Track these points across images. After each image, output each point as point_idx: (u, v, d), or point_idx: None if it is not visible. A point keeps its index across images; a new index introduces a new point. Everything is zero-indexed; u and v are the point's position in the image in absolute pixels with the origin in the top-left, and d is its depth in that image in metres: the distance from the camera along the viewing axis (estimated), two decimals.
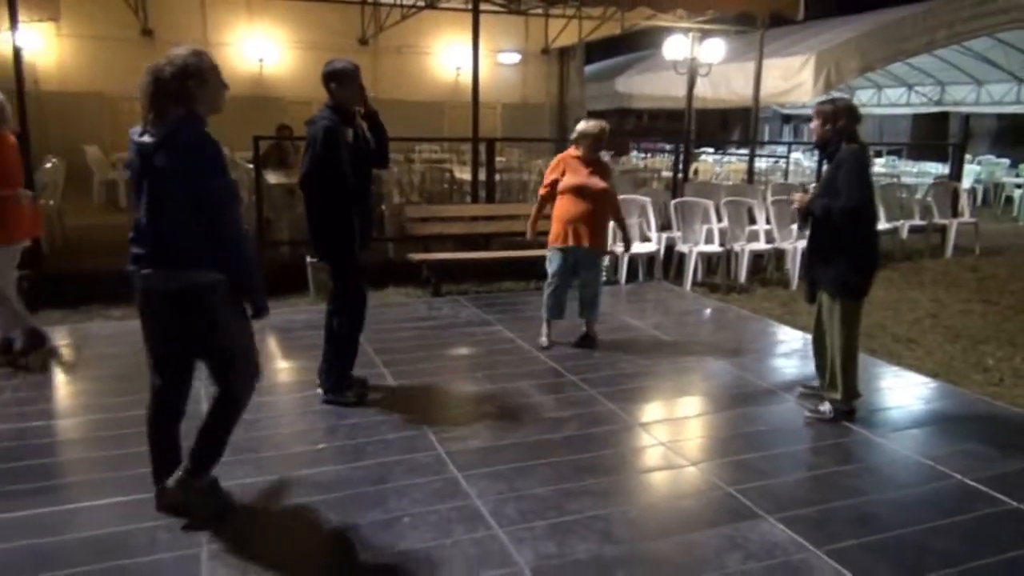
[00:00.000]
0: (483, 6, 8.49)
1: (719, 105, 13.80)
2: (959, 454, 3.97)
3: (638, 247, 8.14)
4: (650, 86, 15.54)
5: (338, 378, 4.50)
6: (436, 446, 3.93)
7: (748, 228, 8.73)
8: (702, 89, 12.87)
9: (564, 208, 5.53)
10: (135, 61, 15.25)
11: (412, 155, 12.77)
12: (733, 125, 27.92)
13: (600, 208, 5.60)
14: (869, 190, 4.22)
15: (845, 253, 4.22)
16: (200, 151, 2.87)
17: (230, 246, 2.92)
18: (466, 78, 14.79)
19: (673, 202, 8.65)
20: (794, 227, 8.95)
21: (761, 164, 15.19)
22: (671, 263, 8.46)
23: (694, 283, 8.12)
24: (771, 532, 3.16)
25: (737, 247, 8.36)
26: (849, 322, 4.31)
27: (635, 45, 17.40)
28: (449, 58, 14.80)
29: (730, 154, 17.85)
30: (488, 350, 5.67)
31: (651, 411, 4.67)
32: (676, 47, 9.57)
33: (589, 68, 16.87)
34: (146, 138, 2.92)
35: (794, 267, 8.38)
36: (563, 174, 5.55)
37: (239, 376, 3.13)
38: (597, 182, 5.53)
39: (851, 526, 3.23)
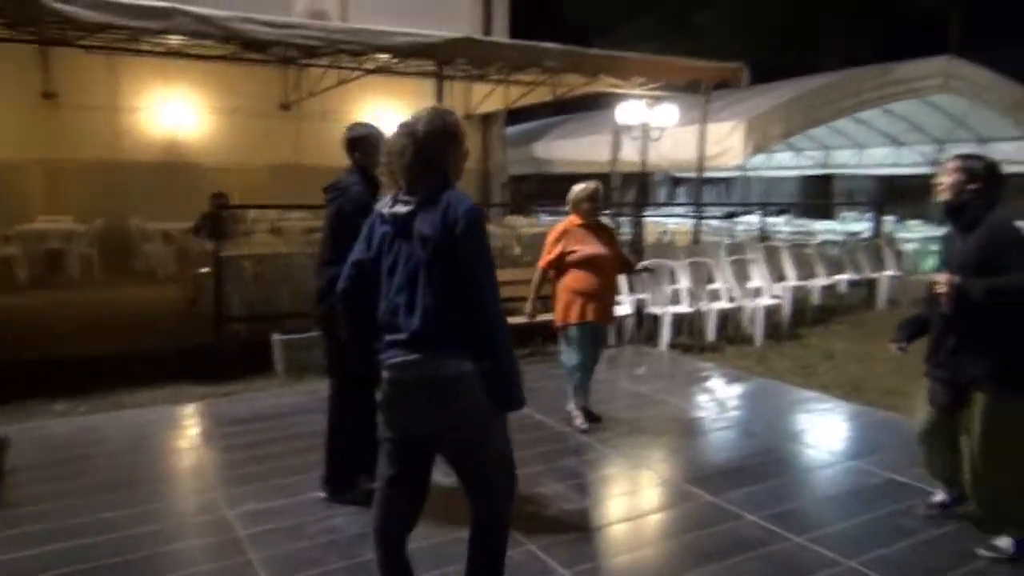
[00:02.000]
0: (447, 71, 8.34)
1: (642, 169, 14.19)
2: None
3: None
4: (572, 150, 15.85)
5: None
6: (521, 540, 3.57)
7: (708, 288, 8.87)
8: (628, 153, 13.26)
9: (581, 281, 5.18)
10: (33, 126, 13.89)
11: None
12: (627, 188, 28.94)
13: (613, 279, 5.47)
14: None
15: (1015, 339, 3.36)
16: (476, 224, 2.54)
17: (496, 329, 2.58)
18: None
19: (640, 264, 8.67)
20: (750, 286, 9.20)
21: (671, 224, 15.81)
22: (641, 325, 8.43)
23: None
24: None
25: (703, 307, 8.46)
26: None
27: (552, 110, 17.74)
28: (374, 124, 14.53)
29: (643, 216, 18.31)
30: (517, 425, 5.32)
31: (717, 484, 4.39)
32: (630, 112, 9.78)
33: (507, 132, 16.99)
34: (399, 208, 2.56)
35: (754, 325, 8.53)
36: (571, 244, 5.23)
37: (498, 481, 2.75)
38: (610, 251, 5.34)
39: None
